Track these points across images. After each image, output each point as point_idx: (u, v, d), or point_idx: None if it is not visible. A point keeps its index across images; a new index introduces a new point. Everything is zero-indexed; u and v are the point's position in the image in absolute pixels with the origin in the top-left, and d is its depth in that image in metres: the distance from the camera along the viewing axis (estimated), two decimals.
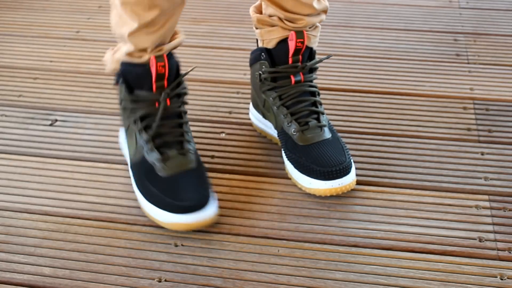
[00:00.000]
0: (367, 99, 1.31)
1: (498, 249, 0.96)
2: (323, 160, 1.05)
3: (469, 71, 1.39)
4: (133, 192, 1.07)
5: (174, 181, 1.00)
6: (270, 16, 1.10)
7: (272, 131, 1.17)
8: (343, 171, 1.04)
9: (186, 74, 1.05)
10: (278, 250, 0.98)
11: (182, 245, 0.99)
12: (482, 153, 1.15)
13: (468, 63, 1.42)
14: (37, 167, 1.15)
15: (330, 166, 1.04)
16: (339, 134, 1.17)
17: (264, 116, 1.17)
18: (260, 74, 1.12)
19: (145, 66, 1.01)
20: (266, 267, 0.95)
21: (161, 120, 1.03)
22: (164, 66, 1.00)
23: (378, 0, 1.70)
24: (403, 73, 1.39)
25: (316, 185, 1.05)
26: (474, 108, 1.27)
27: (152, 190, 1.01)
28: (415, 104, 1.29)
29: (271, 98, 1.12)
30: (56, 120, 1.27)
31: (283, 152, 1.11)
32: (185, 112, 1.06)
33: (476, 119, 1.24)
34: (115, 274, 0.94)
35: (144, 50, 1.01)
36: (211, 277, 0.94)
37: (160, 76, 1.00)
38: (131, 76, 1.03)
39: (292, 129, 1.09)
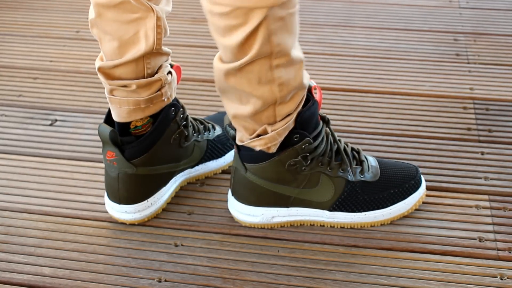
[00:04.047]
0: (367, 99, 1.31)
1: (498, 249, 0.96)
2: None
3: (469, 71, 1.39)
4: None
5: (389, 173, 1.02)
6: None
7: None
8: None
9: None
10: (278, 250, 0.98)
11: (182, 245, 0.99)
12: (482, 153, 1.15)
13: (468, 63, 1.42)
14: (36, 167, 1.15)
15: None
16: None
17: None
18: None
19: (311, 98, 0.94)
20: (266, 267, 0.95)
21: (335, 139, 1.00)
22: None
23: (378, 0, 1.69)
24: (403, 73, 1.39)
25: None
26: (474, 108, 1.27)
27: (384, 194, 1.00)
28: (415, 104, 1.29)
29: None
30: (56, 120, 1.27)
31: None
32: None
33: (476, 119, 1.24)
34: (115, 274, 0.94)
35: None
36: (211, 277, 0.94)
37: None
38: (311, 119, 0.94)
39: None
